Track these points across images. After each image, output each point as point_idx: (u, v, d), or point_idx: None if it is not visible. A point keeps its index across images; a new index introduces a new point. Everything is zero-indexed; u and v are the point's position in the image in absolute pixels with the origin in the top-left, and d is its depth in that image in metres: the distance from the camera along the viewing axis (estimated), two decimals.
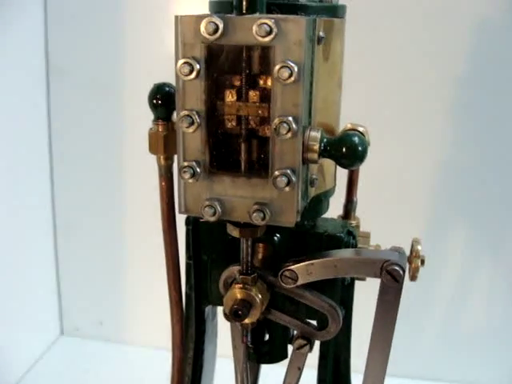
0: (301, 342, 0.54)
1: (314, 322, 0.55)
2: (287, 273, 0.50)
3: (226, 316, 0.51)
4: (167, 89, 0.52)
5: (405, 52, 1.02)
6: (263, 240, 0.53)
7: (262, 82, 0.43)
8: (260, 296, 0.50)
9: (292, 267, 0.50)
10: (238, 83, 0.44)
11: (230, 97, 0.44)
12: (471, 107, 1.03)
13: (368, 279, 0.54)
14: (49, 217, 1.24)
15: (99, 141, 1.18)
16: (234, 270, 0.52)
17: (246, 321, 0.50)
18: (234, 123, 0.44)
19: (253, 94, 0.43)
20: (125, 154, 1.18)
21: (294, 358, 0.56)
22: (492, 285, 1.12)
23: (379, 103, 1.03)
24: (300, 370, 0.56)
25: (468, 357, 1.16)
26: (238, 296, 0.50)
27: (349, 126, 0.51)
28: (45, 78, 1.17)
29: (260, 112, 0.44)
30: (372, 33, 1.00)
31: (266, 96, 0.43)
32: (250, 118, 0.44)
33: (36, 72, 1.16)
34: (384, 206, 1.05)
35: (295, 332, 0.60)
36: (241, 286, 0.50)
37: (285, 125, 0.41)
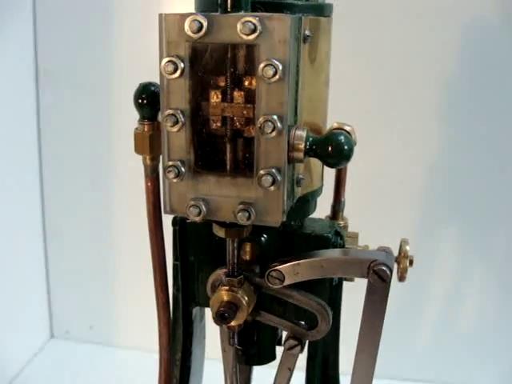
0: (292, 342, 0.54)
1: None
2: (274, 273, 0.49)
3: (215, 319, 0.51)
4: (153, 88, 0.52)
5: (395, 52, 1.02)
6: (250, 240, 0.52)
7: (247, 81, 0.43)
8: (246, 298, 0.50)
9: (278, 267, 0.49)
10: (222, 83, 0.44)
11: (215, 97, 0.43)
12: (461, 107, 1.03)
13: (356, 280, 0.54)
14: (38, 220, 1.23)
15: (88, 142, 1.18)
16: (221, 272, 0.52)
17: (233, 323, 0.49)
18: (218, 124, 0.44)
19: (238, 95, 0.43)
20: (114, 157, 1.18)
21: (284, 358, 0.55)
22: (483, 285, 1.12)
23: (368, 103, 1.03)
24: (290, 371, 0.55)
25: (460, 358, 1.16)
26: (224, 298, 0.49)
27: (335, 125, 0.51)
28: (34, 80, 1.16)
29: (245, 113, 0.43)
30: (362, 32, 1.00)
31: (251, 96, 0.43)
32: (235, 118, 0.44)
33: (25, 74, 1.15)
34: (372, 207, 1.05)
35: (284, 333, 0.60)
36: (227, 288, 0.50)
37: (269, 123, 0.41)
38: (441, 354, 1.16)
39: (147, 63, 1.06)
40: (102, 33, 1.13)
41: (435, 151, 1.05)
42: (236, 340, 0.53)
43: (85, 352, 1.25)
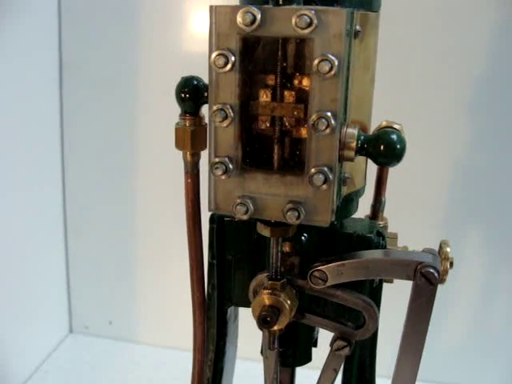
0: (341, 343, 0.52)
1: None
2: (317, 273, 0.48)
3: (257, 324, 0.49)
4: (195, 82, 0.51)
5: (424, 51, 1.01)
6: (291, 240, 0.51)
7: (298, 77, 0.42)
8: (289, 302, 0.48)
9: (322, 267, 0.48)
10: (272, 81, 0.42)
11: (265, 96, 0.42)
12: (492, 106, 1.02)
13: (395, 282, 0.52)
14: (60, 215, 1.23)
15: (111, 139, 1.17)
16: (263, 277, 0.50)
17: (275, 327, 0.48)
18: (267, 124, 0.42)
19: (288, 94, 0.42)
20: (137, 153, 1.17)
21: (330, 359, 0.53)
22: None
23: (404, 103, 1.02)
24: (336, 372, 0.53)
25: (484, 362, 1.14)
26: (266, 302, 0.48)
27: (384, 123, 0.49)
28: (58, 75, 1.16)
29: (295, 113, 0.42)
30: (391, 31, 0.99)
31: (301, 95, 0.41)
32: (284, 118, 0.42)
33: (49, 69, 1.14)
34: (407, 208, 1.04)
35: (317, 335, 0.58)
36: (269, 291, 0.48)
37: (323, 120, 0.40)
38: (464, 357, 1.15)
39: (172, 57, 1.06)
40: (126, 27, 1.12)
41: (471, 153, 1.04)
42: (277, 344, 0.52)
43: (104, 347, 1.26)
